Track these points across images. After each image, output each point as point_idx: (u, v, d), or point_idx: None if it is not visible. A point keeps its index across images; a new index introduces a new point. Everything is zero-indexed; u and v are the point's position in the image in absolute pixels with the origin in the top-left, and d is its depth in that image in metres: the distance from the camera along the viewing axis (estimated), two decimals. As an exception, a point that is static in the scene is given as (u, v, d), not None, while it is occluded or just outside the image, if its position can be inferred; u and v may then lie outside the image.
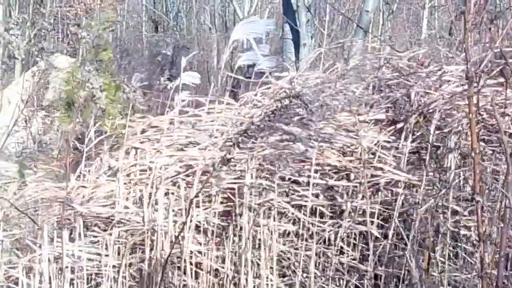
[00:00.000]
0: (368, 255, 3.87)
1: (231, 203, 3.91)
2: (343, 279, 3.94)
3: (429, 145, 3.67)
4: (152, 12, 13.61)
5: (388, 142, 3.85)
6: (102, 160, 4.22)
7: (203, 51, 10.17)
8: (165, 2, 13.58)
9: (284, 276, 3.95)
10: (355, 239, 3.96)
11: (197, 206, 3.92)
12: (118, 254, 4.01)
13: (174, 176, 3.95)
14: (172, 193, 4.01)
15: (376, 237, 3.85)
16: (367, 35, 5.55)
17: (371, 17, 5.94)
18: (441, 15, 11.15)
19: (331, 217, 3.94)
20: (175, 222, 3.93)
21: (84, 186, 4.21)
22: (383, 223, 3.85)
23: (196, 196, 3.64)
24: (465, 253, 3.74)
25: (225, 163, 3.38)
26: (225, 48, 4.57)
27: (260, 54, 4.77)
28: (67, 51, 14.32)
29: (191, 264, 3.93)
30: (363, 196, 3.76)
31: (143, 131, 4.27)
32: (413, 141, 3.81)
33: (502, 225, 2.99)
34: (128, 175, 4.10)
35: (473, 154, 2.80)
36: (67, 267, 3.95)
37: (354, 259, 3.92)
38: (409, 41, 8.98)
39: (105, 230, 4.01)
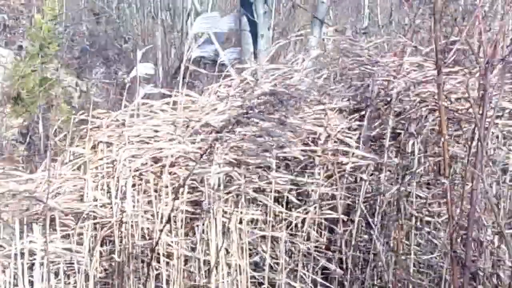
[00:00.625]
0: (335, 240, 4.00)
1: (199, 193, 3.99)
2: (310, 264, 4.06)
3: (389, 130, 3.80)
4: (92, 3, 13.46)
5: (351, 129, 3.97)
6: (69, 153, 4.23)
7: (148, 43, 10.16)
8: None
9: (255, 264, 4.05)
10: (320, 225, 4.08)
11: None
12: (89, 248, 4.05)
13: (141, 169, 4.01)
14: (139, 185, 4.07)
15: (343, 222, 3.97)
16: (323, 25, 5.68)
17: (327, 8, 6.07)
18: (382, 2, 11.37)
19: (298, 205, 4.05)
20: (145, 212, 4.00)
21: (50, 180, 4.22)
22: (349, 210, 3.97)
23: (183, 185, 3.71)
24: (429, 236, 3.88)
25: (208, 154, 3.46)
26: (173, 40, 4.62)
27: (220, 48, 4.86)
28: (6, 44, 14.09)
29: (163, 254, 4.00)
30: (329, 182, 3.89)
31: (107, 126, 4.30)
32: (375, 128, 3.94)
33: (469, 206, 3.12)
34: (95, 168, 4.13)
35: (442, 139, 2.93)
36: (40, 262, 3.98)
37: (321, 244, 4.04)
38: (354, 30, 9.12)
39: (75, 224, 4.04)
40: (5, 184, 4.21)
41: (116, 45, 9.55)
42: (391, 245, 3.84)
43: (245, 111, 3.27)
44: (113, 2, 13.39)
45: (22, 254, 4.01)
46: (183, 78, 4.37)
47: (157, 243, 3.92)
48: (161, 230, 3.87)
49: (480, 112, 2.97)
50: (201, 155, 3.55)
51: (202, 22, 4.43)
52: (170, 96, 4.27)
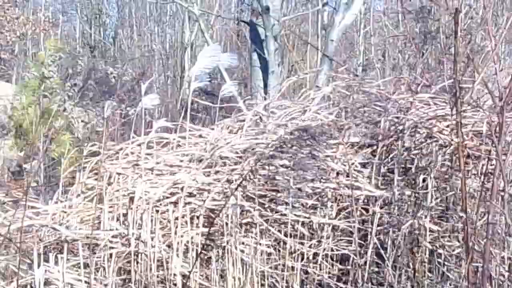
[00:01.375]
0: (348, 271, 4.08)
1: (213, 224, 4.07)
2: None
3: (398, 163, 3.91)
4: (88, 36, 13.59)
5: (364, 164, 4.08)
6: (82, 184, 4.30)
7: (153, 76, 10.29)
8: (102, 26, 13.61)
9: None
10: (332, 256, 4.16)
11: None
12: (105, 276, 4.11)
13: (160, 200, 4.09)
14: (154, 216, 4.14)
15: (355, 255, 4.05)
16: (332, 63, 5.82)
17: (336, 46, 6.22)
18: (376, 40, 11.57)
19: (310, 238, 4.13)
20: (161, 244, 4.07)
21: (64, 211, 4.29)
22: (361, 242, 4.05)
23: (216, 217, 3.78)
24: (442, 269, 3.97)
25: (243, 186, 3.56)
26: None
27: (227, 76, 4.96)
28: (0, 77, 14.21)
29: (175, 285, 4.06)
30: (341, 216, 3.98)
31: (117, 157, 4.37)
32: (387, 162, 4.04)
33: (485, 239, 3.21)
34: (110, 199, 4.20)
35: (461, 174, 3.04)
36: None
37: (333, 276, 4.11)
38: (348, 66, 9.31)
39: (92, 253, 4.10)
40: (21, 215, 4.27)
41: (115, 78, 9.64)
42: (404, 276, 3.92)
43: (277, 145, 3.35)
44: (109, 36, 13.51)
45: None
46: (191, 111, 4.48)
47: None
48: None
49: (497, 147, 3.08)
50: (236, 188, 3.63)
51: (205, 56, 4.54)
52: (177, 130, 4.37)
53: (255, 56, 6.02)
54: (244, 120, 4.50)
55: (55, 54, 8.70)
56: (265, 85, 5.94)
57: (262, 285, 4.12)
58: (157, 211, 4.08)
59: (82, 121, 6.79)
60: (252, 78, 6.01)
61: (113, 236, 4.10)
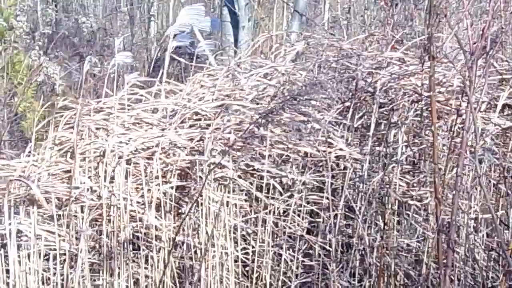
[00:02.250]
0: (318, 225, 4.16)
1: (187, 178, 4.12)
2: (294, 247, 4.20)
3: (373, 119, 3.97)
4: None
5: (336, 120, 4.13)
6: (54, 138, 4.30)
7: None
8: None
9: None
10: (301, 212, 4.23)
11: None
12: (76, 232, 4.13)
13: (133, 154, 4.11)
14: (128, 170, 4.16)
15: (326, 208, 4.13)
16: (303, 19, 5.83)
17: (307, 2, 6.23)
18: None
19: (283, 190, 4.20)
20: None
21: (35, 165, 4.29)
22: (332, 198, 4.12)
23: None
24: (410, 221, 4.07)
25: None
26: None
27: (201, 37, 4.97)
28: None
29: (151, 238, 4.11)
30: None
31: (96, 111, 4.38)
32: (359, 118, 4.11)
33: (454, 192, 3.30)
34: (82, 153, 4.21)
35: (433, 128, 3.11)
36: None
37: (304, 228, 4.19)
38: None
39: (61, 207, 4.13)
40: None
41: (85, 34, 9.52)
42: (374, 229, 4.01)
43: (281, 101, 3.37)
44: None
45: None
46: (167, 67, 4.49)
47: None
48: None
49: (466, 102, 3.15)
50: (244, 143, 3.66)
51: (187, 14, 4.54)
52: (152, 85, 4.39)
53: (225, 11, 6.02)
54: (215, 75, 4.53)
55: (23, 3, 8.54)
56: (236, 40, 5.95)
57: (235, 238, 4.19)
58: (129, 165, 4.11)
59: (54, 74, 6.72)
60: (222, 33, 6.02)
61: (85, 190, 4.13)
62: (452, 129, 3.69)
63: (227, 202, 4.11)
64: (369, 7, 10.49)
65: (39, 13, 12.83)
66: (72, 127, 4.29)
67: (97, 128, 4.26)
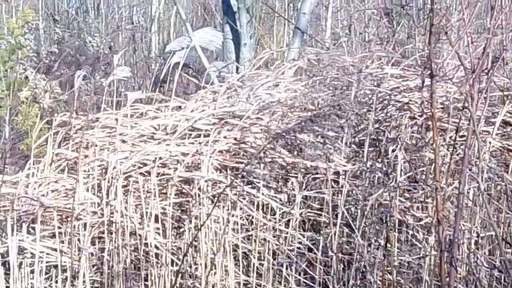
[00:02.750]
0: (318, 242, 4.15)
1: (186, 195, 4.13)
2: (292, 265, 4.19)
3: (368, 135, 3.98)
4: (52, 8, 13.35)
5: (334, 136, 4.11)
6: (56, 155, 4.32)
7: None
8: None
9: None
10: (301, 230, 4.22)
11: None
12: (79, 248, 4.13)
13: (131, 170, 4.12)
14: (127, 186, 4.17)
15: (325, 226, 4.13)
16: (304, 37, 5.86)
17: (308, 19, 6.26)
18: (343, 14, 11.62)
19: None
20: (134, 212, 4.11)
21: (36, 182, 4.30)
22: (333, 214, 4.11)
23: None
24: (410, 239, 4.07)
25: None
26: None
27: (205, 60, 5.00)
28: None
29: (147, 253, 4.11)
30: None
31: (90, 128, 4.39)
32: (356, 135, 4.11)
33: (456, 209, 3.31)
34: (84, 170, 4.22)
35: (434, 146, 3.12)
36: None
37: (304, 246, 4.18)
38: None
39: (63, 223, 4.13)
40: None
41: (86, 50, 9.52)
42: (374, 246, 4.00)
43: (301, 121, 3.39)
44: (73, 6, 13.31)
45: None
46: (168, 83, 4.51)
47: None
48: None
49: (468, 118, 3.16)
50: (258, 156, 3.66)
51: (202, 36, 4.57)
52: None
53: (227, 28, 6.05)
54: (218, 92, 4.55)
55: (32, 21, 8.56)
56: (237, 57, 5.98)
57: (234, 256, 4.18)
58: (129, 181, 4.12)
59: (46, 91, 6.73)
60: (224, 50, 6.04)
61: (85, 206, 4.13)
62: (452, 146, 3.69)
63: (227, 219, 4.10)
64: (369, 25, 10.52)
65: (41, 31, 12.89)
66: (68, 144, 4.30)
67: (97, 145, 4.27)
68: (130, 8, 12.25)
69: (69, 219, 4.12)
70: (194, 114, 4.35)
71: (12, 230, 4.05)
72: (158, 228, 4.15)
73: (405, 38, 4.96)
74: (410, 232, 4.07)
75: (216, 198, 4.04)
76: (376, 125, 4.15)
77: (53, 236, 4.17)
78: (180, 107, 4.51)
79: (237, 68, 5.99)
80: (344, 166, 4.13)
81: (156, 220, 4.13)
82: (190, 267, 4.13)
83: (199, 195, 4.08)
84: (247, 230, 4.21)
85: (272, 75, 4.50)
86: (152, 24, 11.40)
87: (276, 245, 4.19)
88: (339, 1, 11.72)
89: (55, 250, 4.13)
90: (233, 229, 4.17)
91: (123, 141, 4.30)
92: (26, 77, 5.98)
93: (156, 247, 4.12)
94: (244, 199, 4.15)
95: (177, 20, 11.77)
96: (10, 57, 8.34)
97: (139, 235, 4.11)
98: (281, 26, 11.10)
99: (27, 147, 7.52)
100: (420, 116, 3.96)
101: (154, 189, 4.13)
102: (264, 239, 4.19)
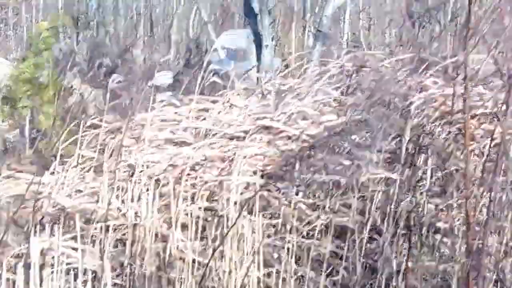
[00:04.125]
0: (342, 248, 4.10)
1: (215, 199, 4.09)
2: (321, 269, 4.15)
3: (404, 143, 3.93)
4: (71, 7, 13.40)
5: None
6: (80, 156, 4.29)
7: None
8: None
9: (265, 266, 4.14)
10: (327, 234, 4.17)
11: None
12: (100, 250, 4.10)
13: (161, 173, 4.08)
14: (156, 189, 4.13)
15: (352, 232, 4.08)
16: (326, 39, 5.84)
17: (330, 21, 6.24)
18: (360, 18, 11.61)
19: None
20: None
21: (62, 183, 4.28)
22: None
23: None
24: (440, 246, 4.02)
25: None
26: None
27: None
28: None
29: (175, 257, 4.07)
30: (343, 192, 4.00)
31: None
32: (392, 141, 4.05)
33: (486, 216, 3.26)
34: (111, 171, 4.19)
35: (465, 152, 3.07)
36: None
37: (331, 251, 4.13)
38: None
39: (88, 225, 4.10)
40: (15, 186, 4.26)
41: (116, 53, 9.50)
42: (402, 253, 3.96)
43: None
44: (92, 6, 13.33)
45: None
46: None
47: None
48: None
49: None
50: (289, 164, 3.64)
51: (228, 37, 4.54)
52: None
53: (248, 30, 6.04)
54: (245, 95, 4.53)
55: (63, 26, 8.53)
56: (258, 59, 5.97)
57: (258, 260, 4.14)
58: (158, 184, 4.08)
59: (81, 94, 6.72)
60: (245, 52, 6.02)
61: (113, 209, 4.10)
62: (486, 154, 3.64)
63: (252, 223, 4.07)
64: (390, 27, 10.50)
65: (60, 31, 12.90)
66: (96, 145, 4.27)
67: (125, 147, 4.24)
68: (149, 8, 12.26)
69: (92, 220, 4.08)
70: (224, 117, 4.30)
71: (35, 231, 4.02)
72: (184, 232, 4.10)
73: (428, 41, 4.89)
74: (438, 238, 4.02)
75: (245, 203, 4.01)
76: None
77: (75, 238, 4.13)
78: (206, 109, 4.47)
79: (258, 69, 5.97)
80: (377, 173, 4.07)
81: (183, 224, 4.09)
82: (216, 270, 4.08)
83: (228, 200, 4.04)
84: (270, 235, 4.16)
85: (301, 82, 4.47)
86: (171, 27, 11.41)
87: (301, 249, 4.14)
88: (361, 3, 11.69)
89: (76, 250, 4.09)
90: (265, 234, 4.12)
91: (151, 143, 4.26)
92: (71, 86, 5.98)
93: (181, 251, 4.07)
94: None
95: (194, 21, 11.77)
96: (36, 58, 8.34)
97: (163, 239, 4.07)
98: (300, 28, 11.09)
99: (45, 147, 7.53)
100: (451, 123, 3.90)
101: (186, 192, 4.08)
102: (289, 242, 4.14)
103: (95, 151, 4.30)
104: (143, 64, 9.09)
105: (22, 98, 8.16)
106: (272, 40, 6.03)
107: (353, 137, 3.37)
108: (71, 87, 5.28)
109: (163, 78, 4.51)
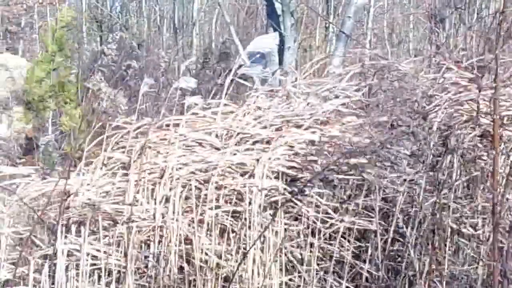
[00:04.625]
0: (366, 250, 4.10)
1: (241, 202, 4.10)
2: (342, 273, 4.15)
3: (428, 145, 3.92)
4: (95, 10, 13.51)
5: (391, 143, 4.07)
6: (108, 158, 4.31)
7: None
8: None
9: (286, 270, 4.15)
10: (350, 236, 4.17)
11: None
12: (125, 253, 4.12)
13: (188, 175, 4.10)
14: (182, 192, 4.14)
15: (375, 233, 4.08)
16: (349, 41, 5.83)
17: (354, 23, 6.23)
18: (385, 18, 11.58)
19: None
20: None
21: (89, 184, 4.30)
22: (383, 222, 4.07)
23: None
24: (465, 248, 4.01)
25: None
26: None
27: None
28: (7, 49, 14.21)
29: (200, 260, 4.09)
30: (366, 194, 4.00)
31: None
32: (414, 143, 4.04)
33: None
34: (137, 173, 4.20)
35: (494, 153, 3.06)
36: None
37: (354, 254, 4.14)
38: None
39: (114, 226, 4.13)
40: (42, 186, 4.29)
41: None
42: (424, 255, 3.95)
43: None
44: (116, 9, 13.40)
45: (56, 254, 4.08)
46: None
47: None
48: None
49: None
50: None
51: (260, 42, 4.54)
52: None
53: (270, 31, 6.04)
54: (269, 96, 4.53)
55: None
56: (280, 61, 5.97)
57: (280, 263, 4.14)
58: (184, 187, 4.10)
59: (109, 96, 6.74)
60: (268, 54, 6.01)
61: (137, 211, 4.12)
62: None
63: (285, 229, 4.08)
64: (415, 29, 10.46)
65: (84, 34, 12.99)
66: (123, 147, 4.29)
67: (153, 149, 4.25)
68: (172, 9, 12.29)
69: (118, 222, 4.11)
70: (250, 120, 4.31)
71: (61, 232, 4.06)
72: (210, 235, 4.12)
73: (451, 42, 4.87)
74: (463, 241, 4.01)
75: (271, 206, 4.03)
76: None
77: (99, 239, 4.16)
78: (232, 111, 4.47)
79: (281, 71, 5.96)
80: (403, 173, 4.06)
81: (208, 227, 4.11)
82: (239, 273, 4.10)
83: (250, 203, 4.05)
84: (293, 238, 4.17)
85: (327, 82, 4.47)
86: (194, 27, 11.44)
87: (326, 250, 4.15)
88: (386, 3, 11.65)
89: (101, 251, 4.12)
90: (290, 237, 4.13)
91: (179, 147, 4.27)
92: (99, 89, 6.00)
93: (206, 253, 4.09)
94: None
95: (217, 21, 11.79)
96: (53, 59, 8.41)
97: (188, 240, 4.09)
98: (323, 29, 11.07)
99: (71, 148, 7.59)
100: (478, 125, 3.89)
101: (211, 195, 4.10)
102: (311, 245, 4.14)
103: (122, 152, 4.32)
104: (166, 67, 9.12)
105: (43, 100, 8.23)
106: (294, 42, 6.03)
107: (398, 148, 3.34)
108: (99, 89, 5.28)
109: (188, 82, 4.49)
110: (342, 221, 4.10)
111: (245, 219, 4.06)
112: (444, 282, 3.97)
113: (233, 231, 4.12)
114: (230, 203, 4.12)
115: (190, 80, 4.57)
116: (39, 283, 4.07)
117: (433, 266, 3.92)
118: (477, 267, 3.98)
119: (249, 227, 4.06)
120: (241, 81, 4.52)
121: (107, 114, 4.86)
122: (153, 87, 4.71)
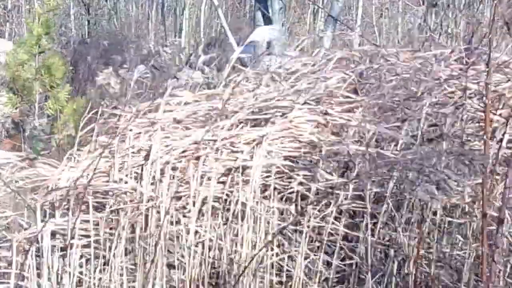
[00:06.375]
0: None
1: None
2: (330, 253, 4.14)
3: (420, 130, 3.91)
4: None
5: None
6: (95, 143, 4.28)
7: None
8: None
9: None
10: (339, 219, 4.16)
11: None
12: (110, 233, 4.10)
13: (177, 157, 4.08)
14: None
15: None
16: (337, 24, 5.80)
17: (342, 7, 6.20)
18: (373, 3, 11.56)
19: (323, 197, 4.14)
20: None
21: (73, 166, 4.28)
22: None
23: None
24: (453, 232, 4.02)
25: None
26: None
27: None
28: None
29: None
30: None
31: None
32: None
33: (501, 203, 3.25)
34: (122, 156, 4.18)
35: (485, 137, 3.06)
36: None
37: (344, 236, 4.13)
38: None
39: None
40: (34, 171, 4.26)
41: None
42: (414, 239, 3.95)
43: None
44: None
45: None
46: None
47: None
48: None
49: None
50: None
51: (262, 31, 4.52)
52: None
53: (259, 15, 6.01)
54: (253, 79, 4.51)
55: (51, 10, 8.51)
56: (268, 44, 5.93)
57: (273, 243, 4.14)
58: (173, 168, 4.07)
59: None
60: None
61: (123, 193, 4.09)
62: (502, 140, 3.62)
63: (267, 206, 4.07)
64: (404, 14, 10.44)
65: (72, 17, 12.92)
66: (114, 132, 4.26)
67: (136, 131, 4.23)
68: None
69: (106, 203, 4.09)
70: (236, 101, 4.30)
71: (45, 214, 4.03)
72: (201, 216, 4.10)
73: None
74: (453, 225, 4.02)
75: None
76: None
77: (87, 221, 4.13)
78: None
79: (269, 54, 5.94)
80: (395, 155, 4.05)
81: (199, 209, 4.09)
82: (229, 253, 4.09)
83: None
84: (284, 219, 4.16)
85: (311, 62, 4.44)
86: (183, 13, 11.38)
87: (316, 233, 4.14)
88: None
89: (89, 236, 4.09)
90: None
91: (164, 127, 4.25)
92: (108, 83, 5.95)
93: (195, 233, 4.07)
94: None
95: (206, 8, 11.74)
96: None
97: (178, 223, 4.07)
98: (312, 14, 11.03)
99: (57, 131, 7.53)
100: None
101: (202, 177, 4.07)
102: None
103: (110, 138, 4.29)
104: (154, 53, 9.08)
105: (28, 84, 8.14)
106: (282, 25, 5.99)
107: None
108: (108, 83, 5.26)
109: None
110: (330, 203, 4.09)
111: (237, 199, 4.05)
112: (433, 266, 3.99)
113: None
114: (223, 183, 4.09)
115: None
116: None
117: (421, 250, 3.92)
118: (465, 252, 3.99)
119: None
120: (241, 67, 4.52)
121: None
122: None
